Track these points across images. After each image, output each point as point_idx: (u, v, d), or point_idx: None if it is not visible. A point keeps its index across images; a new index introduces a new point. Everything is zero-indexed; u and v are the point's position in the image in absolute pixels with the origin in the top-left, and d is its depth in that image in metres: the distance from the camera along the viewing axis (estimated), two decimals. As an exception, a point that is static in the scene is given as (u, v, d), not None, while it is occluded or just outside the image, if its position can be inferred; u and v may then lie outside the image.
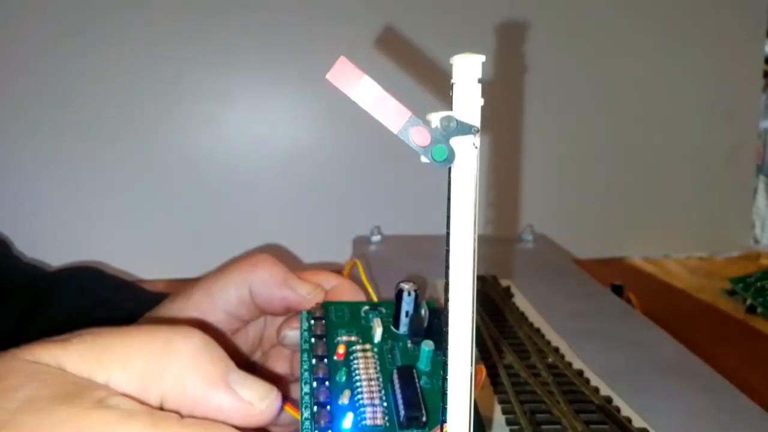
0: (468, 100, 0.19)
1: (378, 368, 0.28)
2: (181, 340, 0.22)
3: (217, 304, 0.34)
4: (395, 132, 0.19)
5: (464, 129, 0.20)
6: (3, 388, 0.20)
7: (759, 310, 0.65)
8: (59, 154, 0.75)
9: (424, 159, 0.20)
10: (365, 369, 0.28)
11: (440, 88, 0.68)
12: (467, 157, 0.20)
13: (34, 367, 0.20)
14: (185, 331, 0.22)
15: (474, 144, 0.20)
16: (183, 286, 0.36)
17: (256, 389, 0.23)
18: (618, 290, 0.62)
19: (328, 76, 0.19)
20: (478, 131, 0.19)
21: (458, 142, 0.20)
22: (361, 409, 0.26)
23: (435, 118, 0.20)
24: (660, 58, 0.85)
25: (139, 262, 0.75)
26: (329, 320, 0.31)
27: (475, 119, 0.20)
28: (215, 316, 0.34)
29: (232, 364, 0.23)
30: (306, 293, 0.33)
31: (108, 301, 0.45)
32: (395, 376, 0.27)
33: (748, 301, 0.67)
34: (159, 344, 0.22)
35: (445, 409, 0.21)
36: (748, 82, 0.89)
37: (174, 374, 0.21)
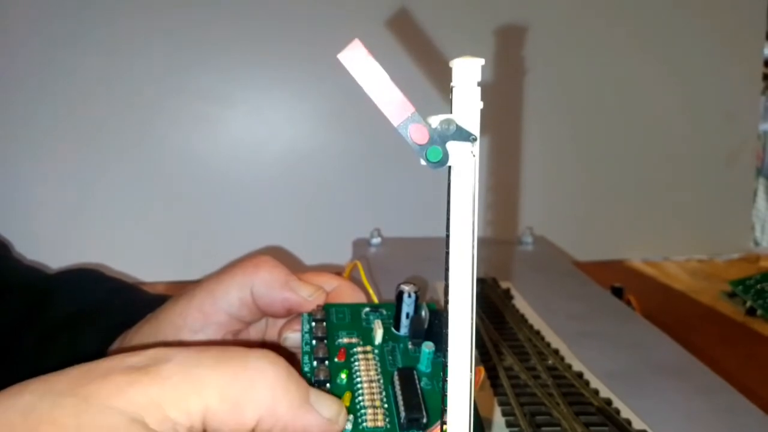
0: (467, 103, 0.20)
1: (379, 370, 0.28)
2: (270, 367, 0.23)
3: (219, 305, 0.34)
4: (395, 125, 0.19)
5: (462, 134, 0.20)
6: None
7: (759, 312, 0.65)
8: (60, 157, 0.75)
9: (422, 161, 0.20)
10: (366, 371, 0.28)
11: (439, 92, 0.68)
12: (466, 160, 0.20)
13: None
14: (272, 357, 0.23)
15: (472, 152, 0.20)
16: (183, 288, 0.36)
17: (332, 407, 0.24)
18: (618, 292, 0.62)
19: (339, 56, 0.19)
20: (476, 139, 0.20)
21: (455, 146, 0.20)
22: (362, 411, 0.26)
23: (435, 120, 0.20)
24: (660, 61, 0.86)
25: (140, 264, 0.75)
26: (330, 322, 0.32)
27: (474, 123, 0.20)
28: (217, 318, 0.34)
29: (307, 385, 0.24)
30: (307, 295, 0.33)
31: (108, 302, 0.45)
32: (396, 378, 0.27)
33: (748, 304, 0.67)
34: (252, 371, 0.23)
35: (445, 410, 0.21)
36: (748, 84, 0.89)
37: (268, 399, 0.22)
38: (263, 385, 0.23)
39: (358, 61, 0.19)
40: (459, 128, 0.20)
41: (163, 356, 0.22)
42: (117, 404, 0.20)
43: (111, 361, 0.22)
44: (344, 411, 0.25)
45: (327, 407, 0.24)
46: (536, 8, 0.81)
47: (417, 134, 0.19)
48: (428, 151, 0.20)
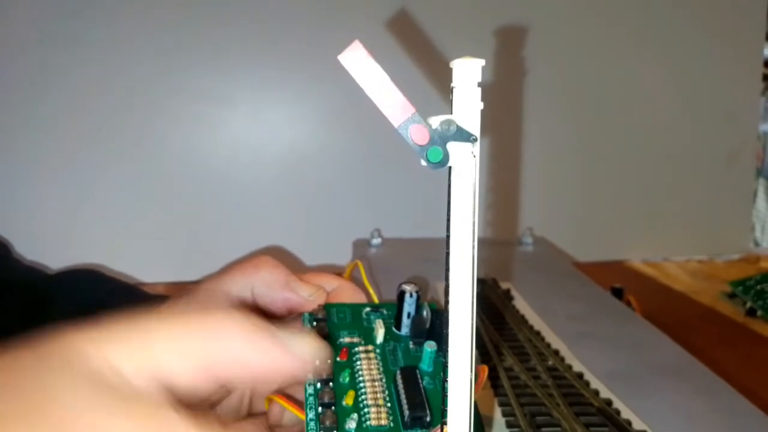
0: (468, 103, 0.20)
1: (381, 369, 0.28)
2: (228, 319, 0.23)
3: (220, 305, 0.34)
4: (395, 126, 0.19)
5: (463, 135, 0.20)
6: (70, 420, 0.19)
7: (759, 313, 0.65)
8: (60, 157, 0.75)
9: (423, 162, 0.20)
10: (368, 370, 0.28)
11: (440, 92, 0.68)
12: (467, 160, 0.20)
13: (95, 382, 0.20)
14: (225, 310, 0.23)
15: (472, 153, 0.20)
16: (183, 288, 0.36)
17: (302, 344, 0.24)
18: (618, 293, 0.62)
19: (339, 57, 0.19)
20: (476, 140, 0.20)
21: (455, 147, 0.20)
22: (366, 410, 0.26)
23: (436, 121, 0.20)
24: (660, 61, 0.86)
25: (140, 265, 0.75)
26: (331, 322, 0.32)
27: (474, 123, 0.20)
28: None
29: (272, 327, 0.24)
30: (308, 295, 0.33)
31: (108, 303, 0.45)
32: (398, 377, 0.27)
33: (748, 304, 0.67)
34: (211, 326, 0.22)
35: (446, 410, 0.21)
36: (748, 85, 0.89)
37: (234, 353, 0.22)
38: (227, 341, 0.22)
39: (359, 63, 0.19)
40: (459, 129, 0.20)
41: (130, 318, 0.22)
42: (72, 355, 0.20)
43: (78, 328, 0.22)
44: (318, 347, 0.25)
45: (297, 345, 0.24)
46: (536, 9, 0.81)
47: (417, 135, 0.20)
48: (429, 151, 0.20)
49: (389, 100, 0.19)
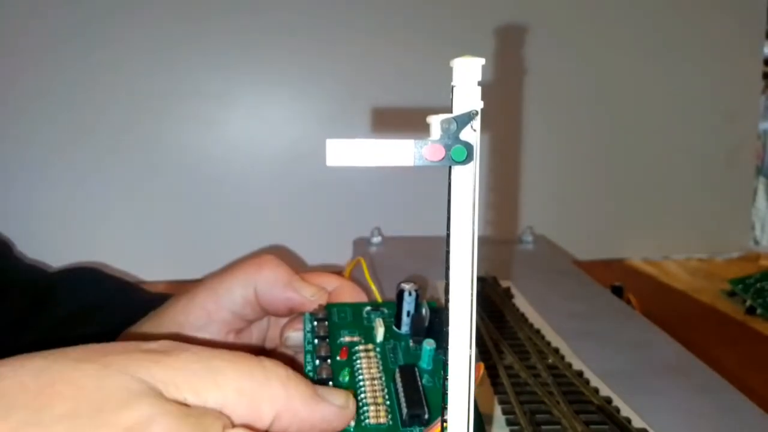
0: (468, 102, 0.20)
1: (380, 367, 0.29)
2: (281, 366, 0.24)
3: (222, 303, 0.34)
4: (411, 164, 0.19)
5: (465, 120, 0.20)
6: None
7: (758, 311, 0.66)
8: (61, 156, 0.75)
9: (453, 167, 0.20)
10: (368, 368, 0.28)
11: (440, 91, 0.68)
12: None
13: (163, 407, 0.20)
14: (272, 361, 0.24)
15: (472, 126, 0.20)
16: (184, 287, 0.36)
17: (340, 395, 0.26)
18: (618, 291, 0.62)
19: (328, 164, 0.19)
20: (477, 113, 0.20)
21: (467, 135, 0.20)
22: (364, 408, 0.26)
23: (434, 120, 0.20)
24: (659, 60, 0.86)
25: (140, 264, 0.76)
26: (332, 321, 0.32)
27: (475, 122, 0.20)
28: (220, 315, 0.34)
29: (310, 383, 0.25)
30: (309, 295, 0.33)
31: (109, 301, 0.45)
32: (397, 375, 0.27)
33: (748, 303, 0.67)
34: (265, 368, 0.23)
35: (446, 408, 0.21)
36: (748, 83, 0.89)
37: (282, 394, 0.23)
38: (277, 382, 0.23)
39: (344, 153, 0.19)
40: (459, 119, 0.20)
41: (179, 345, 0.22)
42: (139, 374, 0.20)
43: (126, 344, 0.22)
44: (351, 397, 0.26)
45: (336, 397, 0.25)
46: (537, 8, 0.81)
47: (432, 154, 0.19)
48: (452, 155, 0.19)
49: (389, 153, 0.19)
